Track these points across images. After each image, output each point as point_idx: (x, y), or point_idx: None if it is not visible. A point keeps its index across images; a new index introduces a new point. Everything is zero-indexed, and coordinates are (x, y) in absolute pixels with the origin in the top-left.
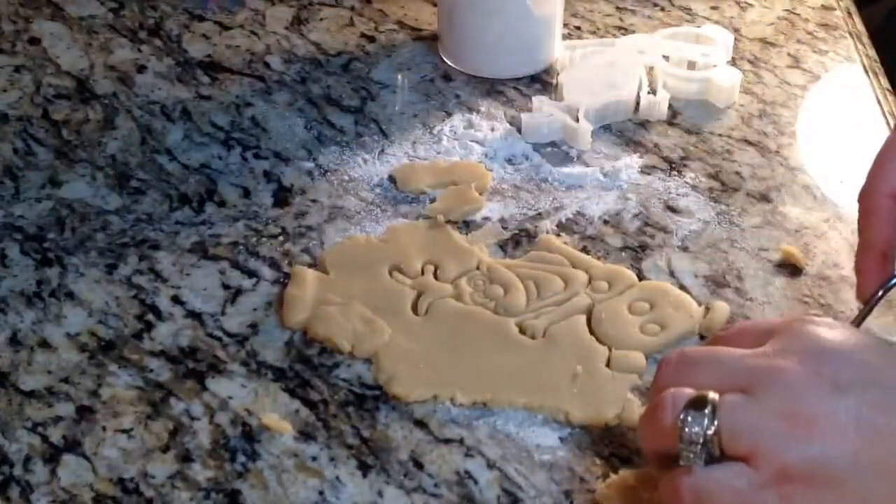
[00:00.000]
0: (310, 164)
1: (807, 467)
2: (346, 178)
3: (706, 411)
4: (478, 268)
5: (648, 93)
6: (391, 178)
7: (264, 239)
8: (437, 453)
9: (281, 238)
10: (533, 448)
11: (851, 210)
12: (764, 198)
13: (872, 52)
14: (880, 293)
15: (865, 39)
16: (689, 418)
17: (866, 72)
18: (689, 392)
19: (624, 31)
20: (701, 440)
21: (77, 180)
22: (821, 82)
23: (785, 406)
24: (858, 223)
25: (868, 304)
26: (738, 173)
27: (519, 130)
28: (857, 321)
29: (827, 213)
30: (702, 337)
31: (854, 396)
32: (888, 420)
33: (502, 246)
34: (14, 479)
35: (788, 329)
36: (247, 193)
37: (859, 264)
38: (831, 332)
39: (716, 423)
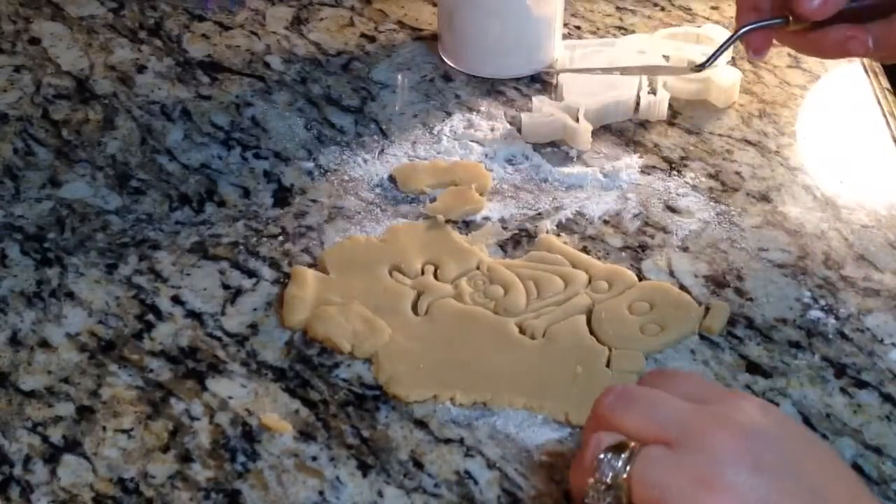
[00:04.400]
0: (310, 164)
1: None
2: (346, 178)
3: (623, 456)
4: (478, 268)
5: (648, 93)
6: (391, 178)
7: (264, 239)
8: (437, 453)
9: (281, 238)
10: (533, 448)
11: (851, 210)
12: (764, 198)
13: None
14: (741, 31)
15: None
16: (606, 460)
17: (866, 72)
18: (614, 436)
19: (624, 31)
20: (609, 482)
21: (77, 180)
22: (821, 82)
23: (701, 471)
24: None
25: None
26: (738, 173)
27: (519, 130)
28: (711, 57)
29: (827, 213)
30: (702, 337)
31: (768, 479)
32: None
33: (502, 246)
34: (14, 479)
35: (730, 400)
36: (247, 193)
37: (737, 21)
38: (767, 415)
39: (628, 469)
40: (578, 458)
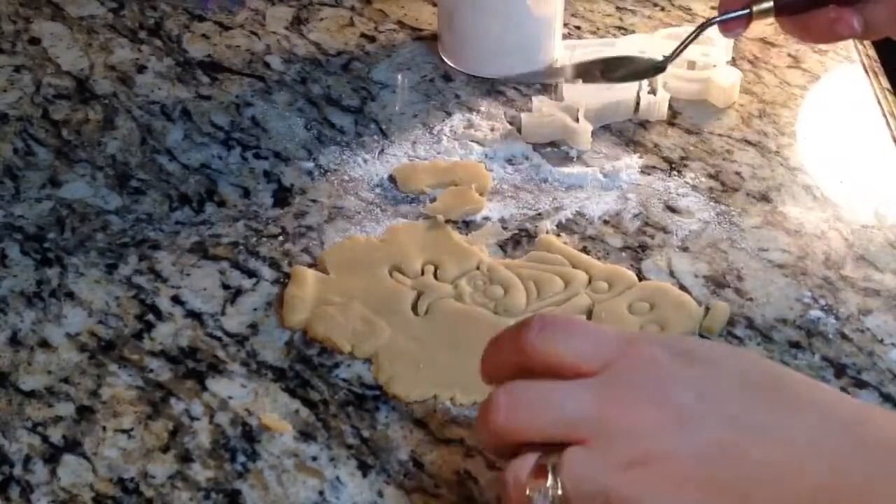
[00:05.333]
0: (310, 164)
1: None
2: (346, 178)
3: (548, 483)
4: (478, 268)
5: (648, 93)
6: (391, 178)
7: (264, 239)
8: (437, 453)
9: (281, 238)
10: None
11: (851, 210)
12: (764, 198)
13: (872, 52)
14: (702, 26)
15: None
16: (536, 495)
17: (866, 72)
18: (527, 465)
19: (624, 31)
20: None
21: (77, 180)
22: (821, 82)
23: (630, 454)
24: None
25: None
26: (738, 173)
27: (519, 130)
28: (673, 54)
29: (827, 213)
30: (702, 337)
31: (696, 427)
32: (731, 463)
33: (502, 246)
34: (14, 479)
35: (628, 355)
36: (247, 193)
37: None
38: (671, 358)
39: (560, 489)
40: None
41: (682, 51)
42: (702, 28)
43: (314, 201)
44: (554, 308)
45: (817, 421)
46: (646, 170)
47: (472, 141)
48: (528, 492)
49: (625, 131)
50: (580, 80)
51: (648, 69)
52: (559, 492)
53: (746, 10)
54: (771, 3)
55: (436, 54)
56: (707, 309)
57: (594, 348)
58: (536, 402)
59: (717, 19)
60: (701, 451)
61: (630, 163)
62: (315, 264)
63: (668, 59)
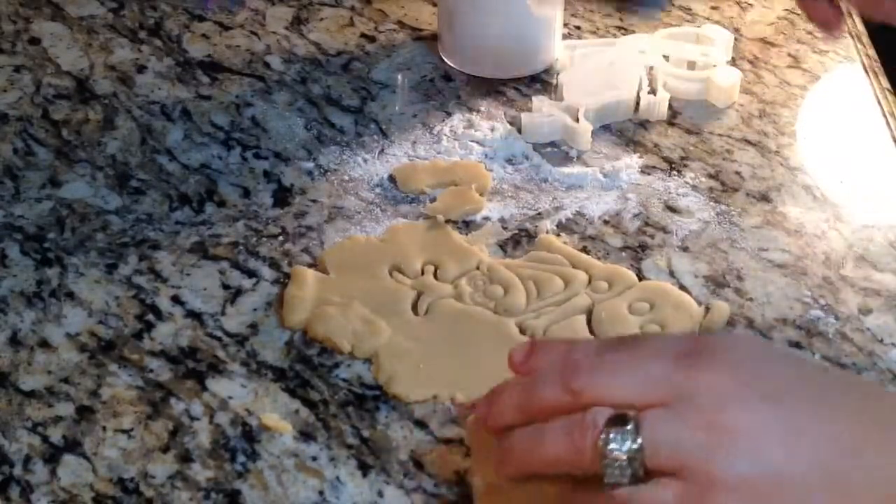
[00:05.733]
0: (310, 164)
1: (734, 479)
2: (346, 178)
3: (628, 429)
4: (478, 268)
5: (648, 93)
6: (391, 178)
7: (264, 239)
8: (437, 453)
9: (281, 238)
10: None
11: (851, 210)
12: (764, 198)
13: (872, 52)
14: None
15: (865, 39)
16: (612, 437)
17: (866, 72)
18: (608, 410)
19: (624, 31)
20: (625, 458)
21: (77, 180)
22: (821, 82)
23: (710, 417)
24: None
25: None
26: (738, 173)
27: (519, 130)
28: None
29: (827, 214)
30: None
31: (781, 406)
32: (815, 428)
33: (502, 246)
34: (14, 479)
35: (713, 340)
36: (247, 193)
37: None
38: (752, 345)
39: (639, 440)
40: (571, 440)
41: None
42: None
43: (314, 201)
44: (554, 308)
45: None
46: (646, 170)
47: (472, 141)
48: (604, 435)
49: (625, 131)
50: None
51: None
52: (638, 442)
53: None
54: None
55: (436, 54)
56: (707, 309)
57: (645, 385)
58: (621, 364)
59: None
60: (779, 422)
61: (630, 163)
62: (315, 264)
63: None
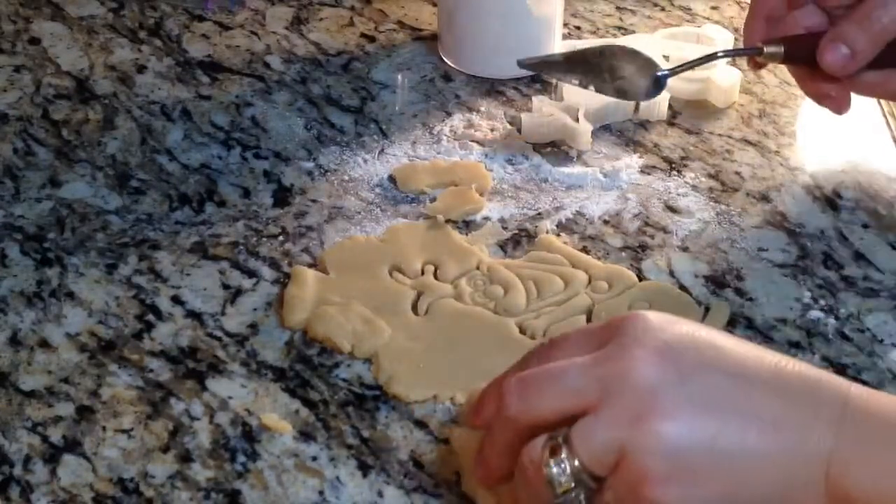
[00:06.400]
0: (310, 164)
1: (665, 466)
2: (346, 178)
3: (563, 455)
4: (478, 268)
5: None
6: (391, 178)
7: (264, 239)
8: (437, 453)
9: (281, 238)
10: None
11: (851, 210)
12: (764, 198)
13: None
14: (714, 55)
15: None
16: (554, 470)
17: None
18: (539, 444)
19: (624, 31)
20: (572, 483)
21: (77, 180)
22: None
23: (636, 408)
24: None
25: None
26: (738, 173)
27: (519, 130)
28: (678, 68)
29: (827, 214)
30: None
31: (699, 383)
32: (735, 402)
33: (502, 246)
34: (14, 479)
35: (621, 327)
36: (247, 193)
37: (746, 24)
38: (667, 323)
39: (575, 461)
40: (527, 487)
41: (684, 70)
42: (710, 55)
43: (314, 201)
44: (554, 308)
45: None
46: (646, 170)
47: (472, 141)
48: (545, 469)
49: (625, 131)
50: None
51: (641, 90)
52: (575, 462)
53: (757, 49)
54: (781, 49)
55: (436, 54)
56: (707, 309)
57: (576, 388)
58: (543, 381)
59: (730, 53)
60: (706, 399)
61: (630, 163)
62: (315, 264)
63: (669, 75)
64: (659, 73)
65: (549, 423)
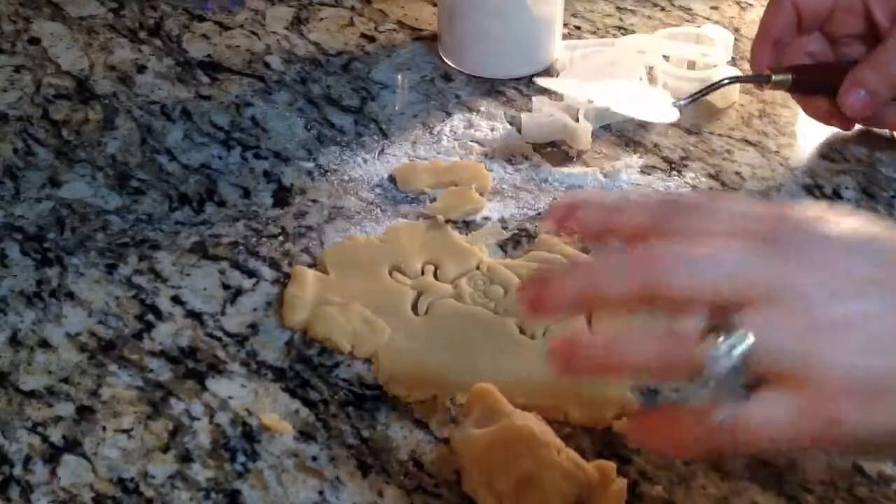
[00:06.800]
0: (310, 164)
1: (851, 380)
2: (346, 178)
3: (736, 335)
4: (478, 268)
5: None
6: (391, 178)
7: (264, 239)
8: (437, 453)
9: (281, 238)
10: None
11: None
12: (764, 198)
13: None
14: (722, 82)
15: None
16: (716, 347)
17: None
18: (701, 315)
19: (624, 31)
20: (731, 367)
21: (77, 180)
22: None
23: (814, 315)
24: (763, 16)
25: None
26: (738, 173)
27: (519, 130)
28: (691, 98)
29: None
30: None
31: (880, 295)
32: None
33: (502, 246)
34: (14, 479)
35: (788, 224)
36: (247, 193)
37: (753, 48)
38: (836, 221)
39: (748, 344)
40: (660, 347)
41: (698, 98)
42: (720, 83)
43: (314, 201)
44: None
45: None
46: (646, 170)
47: (472, 141)
48: (708, 345)
49: (625, 131)
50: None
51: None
52: (746, 351)
53: (765, 76)
54: (789, 77)
55: (436, 54)
56: None
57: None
58: (708, 258)
59: (738, 79)
60: (879, 310)
61: (630, 163)
62: (315, 264)
63: (684, 104)
64: (674, 104)
65: (693, 304)
